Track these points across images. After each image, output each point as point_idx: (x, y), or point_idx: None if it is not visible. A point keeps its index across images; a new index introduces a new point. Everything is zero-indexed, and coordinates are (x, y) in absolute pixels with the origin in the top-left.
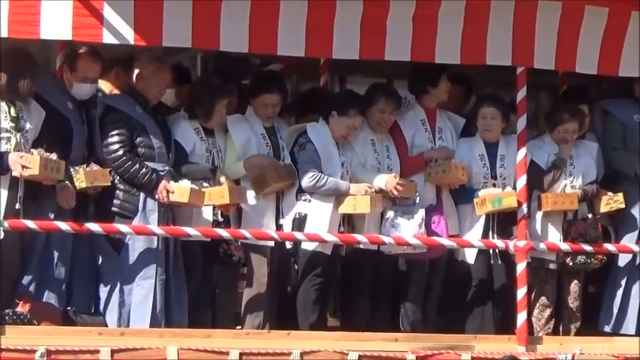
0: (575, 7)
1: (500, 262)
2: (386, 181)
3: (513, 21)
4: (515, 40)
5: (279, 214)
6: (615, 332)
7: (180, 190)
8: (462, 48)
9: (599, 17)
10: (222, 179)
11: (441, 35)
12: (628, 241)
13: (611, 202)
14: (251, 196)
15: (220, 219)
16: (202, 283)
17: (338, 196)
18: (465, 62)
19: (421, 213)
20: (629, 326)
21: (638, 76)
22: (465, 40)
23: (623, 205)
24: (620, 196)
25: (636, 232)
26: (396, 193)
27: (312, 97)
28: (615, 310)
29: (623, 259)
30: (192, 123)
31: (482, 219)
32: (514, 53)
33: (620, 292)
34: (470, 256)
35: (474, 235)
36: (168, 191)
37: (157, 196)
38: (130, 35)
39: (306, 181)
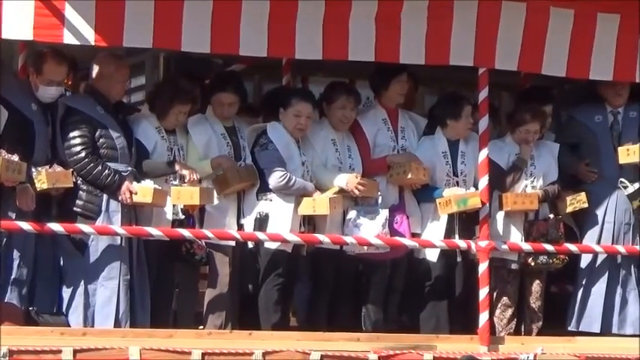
0: (540, 8)
1: (460, 260)
2: (347, 180)
3: (476, 21)
4: (477, 41)
5: (240, 214)
6: (579, 330)
7: (143, 191)
8: (426, 48)
9: (565, 19)
10: (186, 172)
11: (404, 35)
12: (589, 239)
13: (574, 202)
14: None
15: (181, 217)
16: (164, 282)
17: (299, 197)
18: (429, 63)
19: (384, 213)
20: (594, 325)
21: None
22: (428, 40)
23: (586, 205)
24: (582, 195)
25: (597, 231)
26: (357, 192)
27: (276, 97)
28: (579, 308)
29: (586, 259)
30: (153, 122)
31: (445, 218)
32: (476, 54)
33: (582, 291)
34: (432, 254)
35: (437, 233)
36: (131, 192)
37: (120, 198)
38: (90, 36)
39: (276, 180)
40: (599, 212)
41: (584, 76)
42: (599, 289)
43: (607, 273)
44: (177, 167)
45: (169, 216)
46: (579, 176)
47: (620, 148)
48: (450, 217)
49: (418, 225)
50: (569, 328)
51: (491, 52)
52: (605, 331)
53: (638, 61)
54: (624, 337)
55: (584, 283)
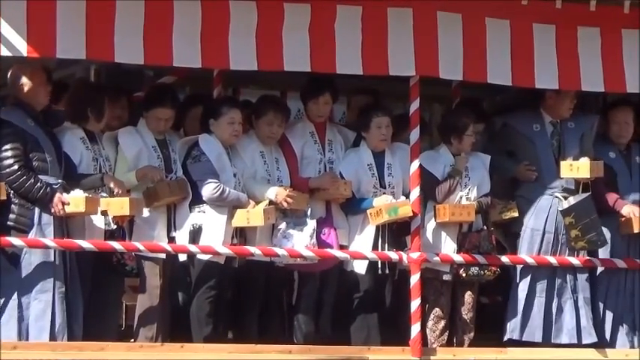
0: (476, 18)
1: (388, 272)
2: (276, 192)
3: (413, 31)
4: (417, 51)
5: (170, 226)
6: (522, 340)
7: (75, 201)
8: (362, 58)
9: (502, 28)
10: (112, 184)
11: (339, 45)
12: (529, 249)
13: (504, 210)
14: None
15: (113, 227)
16: (96, 294)
17: (232, 208)
18: (367, 73)
19: (312, 224)
20: (535, 334)
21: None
22: (365, 50)
23: (516, 214)
24: (513, 204)
25: (538, 240)
26: (285, 204)
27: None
28: (519, 319)
29: (524, 268)
30: (78, 132)
31: (373, 229)
32: (417, 63)
33: (520, 301)
34: (360, 267)
35: (365, 245)
36: (63, 203)
37: (52, 210)
38: (22, 47)
39: (210, 192)
40: (539, 222)
41: (530, 85)
42: (538, 298)
43: (545, 282)
44: (106, 180)
45: (101, 226)
46: (518, 177)
47: (562, 163)
48: (377, 228)
49: (345, 237)
50: (512, 338)
51: (433, 61)
52: (545, 340)
53: (580, 70)
54: (556, 348)
55: (521, 292)
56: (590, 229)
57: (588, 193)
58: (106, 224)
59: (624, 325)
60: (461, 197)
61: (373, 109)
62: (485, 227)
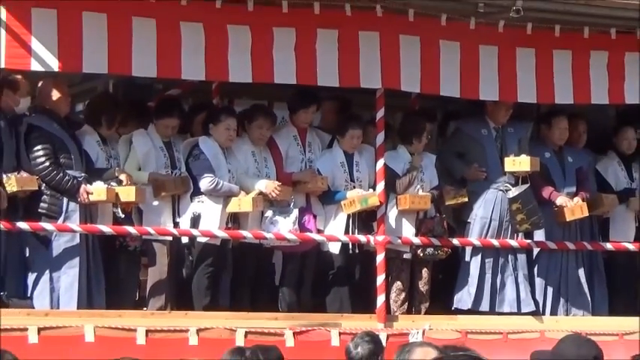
0: (431, 41)
1: (358, 252)
2: (266, 184)
3: (380, 51)
4: (383, 67)
5: (175, 214)
6: (469, 309)
7: (98, 191)
8: (339, 73)
9: (453, 49)
10: (123, 177)
11: (320, 62)
12: (478, 233)
13: (457, 196)
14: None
15: (122, 215)
16: (116, 271)
17: (226, 198)
18: (343, 85)
19: (295, 212)
20: (484, 304)
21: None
22: (341, 66)
23: (466, 199)
24: (464, 191)
25: (486, 227)
26: (274, 195)
27: (199, 111)
28: (468, 291)
29: (473, 250)
30: (94, 136)
31: (345, 216)
32: (383, 78)
33: (470, 276)
34: (334, 247)
35: (338, 229)
36: (88, 193)
37: (79, 199)
38: (54, 63)
39: (206, 185)
40: (487, 211)
41: (475, 97)
42: (487, 275)
43: (491, 261)
44: (117, 172)
45: (111, 213)
46: (468, 177)
47: (506, 159)
48: (349, 215)
49: (322, 223)
50: (458, 307)
51: (396, 76)
52: (490, 309)
53: (517, 84)
54: (499, 315)
55: (473, 269)
56: (534, 213)
57: (528, 184)
58: (115, 213)
59: (560, 296)
60: (417, 189)
61: (350, 121)
62: (437, 214)
